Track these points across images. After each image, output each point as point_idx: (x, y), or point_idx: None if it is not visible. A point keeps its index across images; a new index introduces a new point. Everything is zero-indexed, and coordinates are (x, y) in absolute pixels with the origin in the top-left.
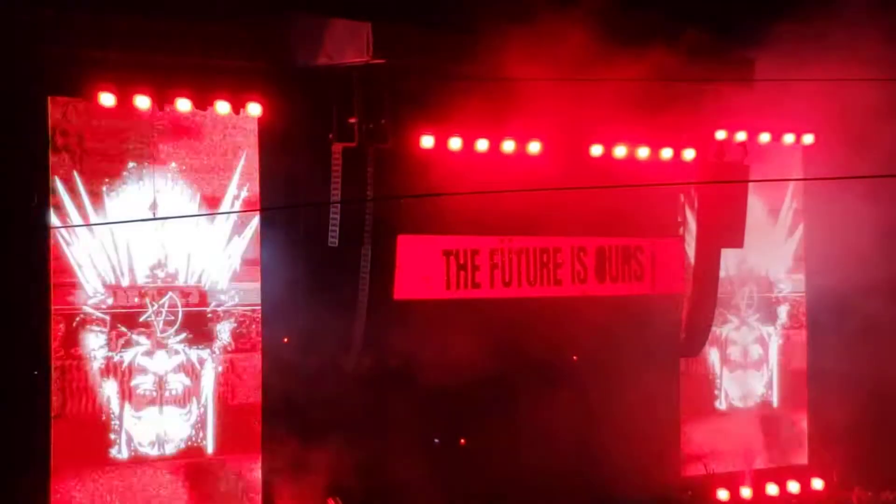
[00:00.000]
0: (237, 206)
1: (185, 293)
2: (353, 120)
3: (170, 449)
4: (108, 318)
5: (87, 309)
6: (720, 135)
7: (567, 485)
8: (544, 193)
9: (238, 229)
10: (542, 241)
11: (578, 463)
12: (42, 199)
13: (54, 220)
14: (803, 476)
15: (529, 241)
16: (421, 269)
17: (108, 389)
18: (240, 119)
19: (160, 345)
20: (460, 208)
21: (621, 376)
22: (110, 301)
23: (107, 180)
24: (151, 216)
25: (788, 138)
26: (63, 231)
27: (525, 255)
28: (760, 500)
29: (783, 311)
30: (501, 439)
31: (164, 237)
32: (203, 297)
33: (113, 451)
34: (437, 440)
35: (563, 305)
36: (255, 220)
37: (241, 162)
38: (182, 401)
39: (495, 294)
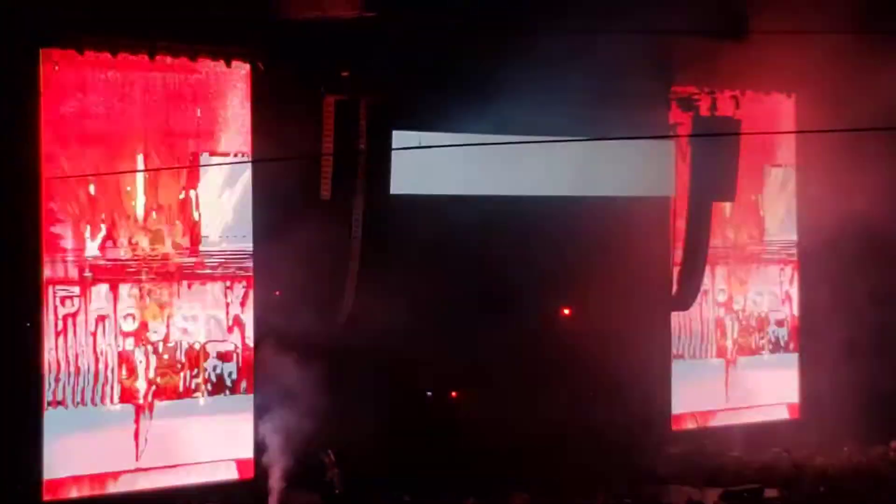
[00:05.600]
0: (228, 159)
1: (177, 246)
2: (345, 74)
3: (164, 397)
4: (101, 270)
5: (79, 261)
6: (713, 90)
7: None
8: None
9: (230, 182)
10: None
11: (570, 412)
12: (34, 150)
13: (46, 171)
14: (795, 429)
15: None
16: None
17: (101, 341)
18: (231, 72)
19: (152, 297)
20: None
21: (613, 329)
22: (102, 253)
23: (99, 132)
24: (143, 168)
25: (780, 93)
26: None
27: None
28: (752, 453)
29: (776, 263)
30: (492, 388)
31: (157, 191)
32: (195, 250)
33: (106, 400)
34: (429, 393)
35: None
36: (247, 174)
37: (233, 115)
38: (174, 351)
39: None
